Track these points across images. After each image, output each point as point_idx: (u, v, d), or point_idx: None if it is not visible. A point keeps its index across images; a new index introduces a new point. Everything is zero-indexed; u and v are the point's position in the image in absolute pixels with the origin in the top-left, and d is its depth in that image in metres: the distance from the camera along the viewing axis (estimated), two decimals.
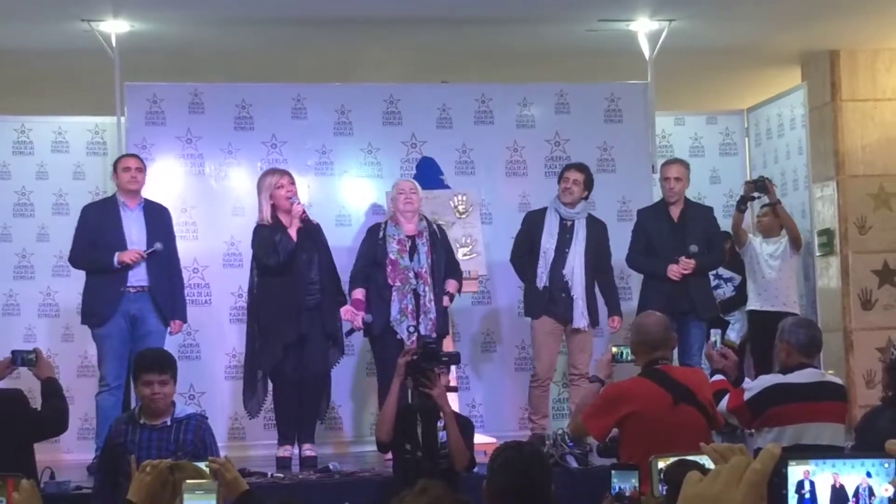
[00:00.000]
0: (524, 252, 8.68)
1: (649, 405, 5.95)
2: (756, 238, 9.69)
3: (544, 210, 8.71)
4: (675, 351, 7.27)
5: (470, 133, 9.87)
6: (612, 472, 3.63)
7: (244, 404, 8.28)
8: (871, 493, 1.59)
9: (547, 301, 8.51)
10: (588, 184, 8.65)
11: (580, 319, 8.46)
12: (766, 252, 9.58)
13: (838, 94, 10.14)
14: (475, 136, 9.87)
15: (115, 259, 8.15)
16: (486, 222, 9.46)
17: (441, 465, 6.28)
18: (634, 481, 3.53)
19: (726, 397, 6.29)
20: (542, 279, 8.53)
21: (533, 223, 8.70)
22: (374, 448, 7.00)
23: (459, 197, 9.26)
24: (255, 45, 9.97)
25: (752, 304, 9.63)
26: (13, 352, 7.13)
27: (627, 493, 3.54)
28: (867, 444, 5.89)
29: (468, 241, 9.11)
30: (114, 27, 9.18)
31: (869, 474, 1.59)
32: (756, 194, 9.40)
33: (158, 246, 8.29)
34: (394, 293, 8.19)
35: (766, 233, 9.70)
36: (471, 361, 9.63)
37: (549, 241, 8.55)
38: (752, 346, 9.79)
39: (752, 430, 6.67)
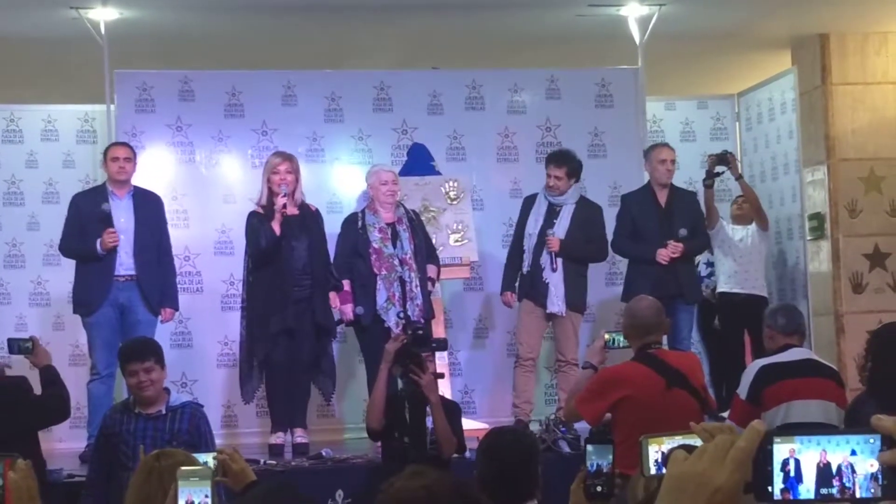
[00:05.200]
0: (519, 243, 8.65)
1: (642, 389, 5.97)
2: (727, 223, 9.73)
3: (537, 195, 8.71)
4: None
5: (461, 119, 9.87)
6: (588, 446, 3.57)
7: (241, 389, 8.30)
8: (854, 470, 1.59)
9: (530, 286, 8.51)
10: (572, 172, 8.57)
11: (553, 305, 8.42)
12: (736, 237, 9.62)
13: (828, 78, 10.13)
14: (466, 122, 9.87)
15: (98, 247, 8.12)
16: (477, 208, 9.47)
17: (430, 452, 6.29)
18: (611, 457, 3.50)
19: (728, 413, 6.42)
20: (525, 264, 8.52)
21: (526, 209, 8.69)
22: (366, 435, 7.01)
23: (450, 183, 9.25)
24: (245, 32, 9.94)
25: (722, 286, 9.68)
26: (8, 340, 7.13)
27: (605, 470, 3.51)
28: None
29: (459, 227, 9.11)
30: (102, 14, 9.14)
31: (854, 452, 1.59)
32: (720, 168, 9.43)
33: (107, 209, 8.18)
34: (379, 282, 8.17)
35: (739, 220, 9.77)
36: (463, 347, 9.64)
37: (533, 226, 8.53)
38: (721, 327, 9.81)
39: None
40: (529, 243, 8.51)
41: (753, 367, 6.61)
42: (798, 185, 10.33)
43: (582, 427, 7.12)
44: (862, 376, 6.57)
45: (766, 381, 6.33)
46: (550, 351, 8.97)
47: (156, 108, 9.58)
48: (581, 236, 8.52)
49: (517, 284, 8.64)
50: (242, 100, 9.66)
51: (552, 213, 8.54)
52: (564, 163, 8.57)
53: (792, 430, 1.62)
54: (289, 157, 8.36)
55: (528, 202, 8.72)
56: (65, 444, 8.89)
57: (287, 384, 8.18)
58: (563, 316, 8.44)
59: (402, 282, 8.20)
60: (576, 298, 8.48)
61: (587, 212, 8.64)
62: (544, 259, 8.43)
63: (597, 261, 8.81)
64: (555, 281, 8.41)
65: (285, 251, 8.09)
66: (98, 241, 8.11)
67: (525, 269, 8.51)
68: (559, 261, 8.39)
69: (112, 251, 8.16)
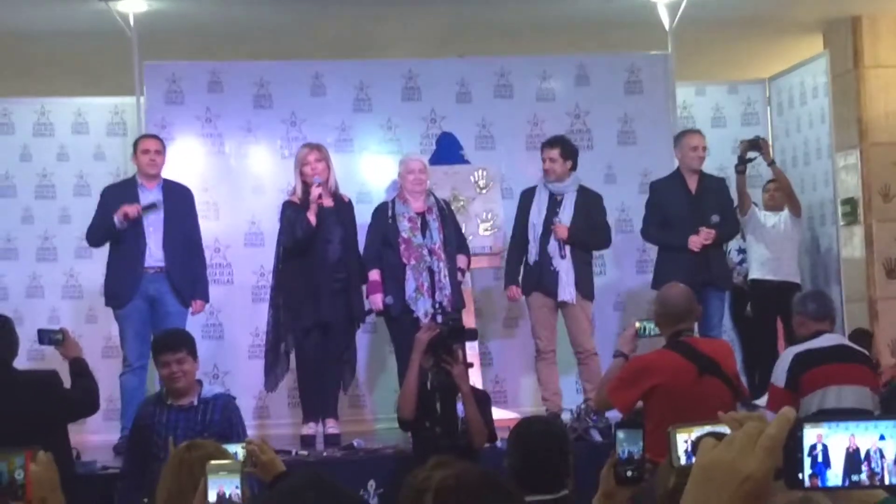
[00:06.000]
0: (521, 235, 8.61)
1: (674, 377, 5.94)
2: (760, 209, 9.67)
3: (535, 188, 8.66)
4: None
5: (489, 107, 9.85)
6: (619, 432, 3.52)
7: (264, 378, 8.30)
8: (882, 455, 1.56)
9: (538, 276, 8.46)
10: (567, 154, 8.54)
11: (564, 293, 8.37)
12: (768, 223, 9.56)
13: (860, 62, 10.04)
14: (495, 110, 9.84)
15: (116, 218, 8.11)
16: (506, 197, 9.42)
17: (460, 442, 6.28)
18: (641, 442, 3.47)
19: (765, 400, 6.39)
20: (532, 254, 8.47)
21: (525, 201, 8.64)
22: (398, 426, 7.00)
23: (479, 172, 9.24)
24: (273, 23, 9.93)
25: (754, 273, 9.62)
26: (39, 331, 7.13)
27: (636, 457, 3.48)
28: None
29: (489, 216, 9.09)
30: (131, 6, 9.16)
31: (882, 437, 1.56)
32: (752, 154, 9.36)
33: (155, 201, 8.22)
34: (408, 272, 8.15)
35: (771, 206, 9.71)
36: (494, 337, 9.63)
37: (537, 217, 8.49)
38: (753, 315, 9.75)
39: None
40: (535, 233, 8.47)
41: (787, 354, 6.59)
42: (830, 169, 10.26)
43: (613, 416, 7.10)
44: None
45: (802, 368, 6.32)
46: (566, 341, 8.86)
47: (185, 100, 9.60)
48: (585, 224, 8.49)
49: (521, 277, 8.59)
50: (271, 90, 9.67)
51: (554, 202, 8.51)
52: (557, 143, 8.57)
53: (826, 416, 1.59)
54: (318, 147, 8.37)
55: (527, 194, 8.67)
56: (99, 436, 8.92)
57: (319, 375, 8.18)
58: (574, 304, 8.39)
59: (431, 272, 8.18)
60: (585, 286, 8.45)
61: (589, 200, 8.59)
62: (552, 248, 8.40)
63: (601, 248, 8.82)
64: (564, 268, 8.38)
65: (320, 245, 8.09)
66: (115, 214, 8.09)
67: (532, 259, 8.46)
68: (567, 248, 8.37)
69: (134, 228, 8.14)
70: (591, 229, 8.53)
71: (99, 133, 10.06)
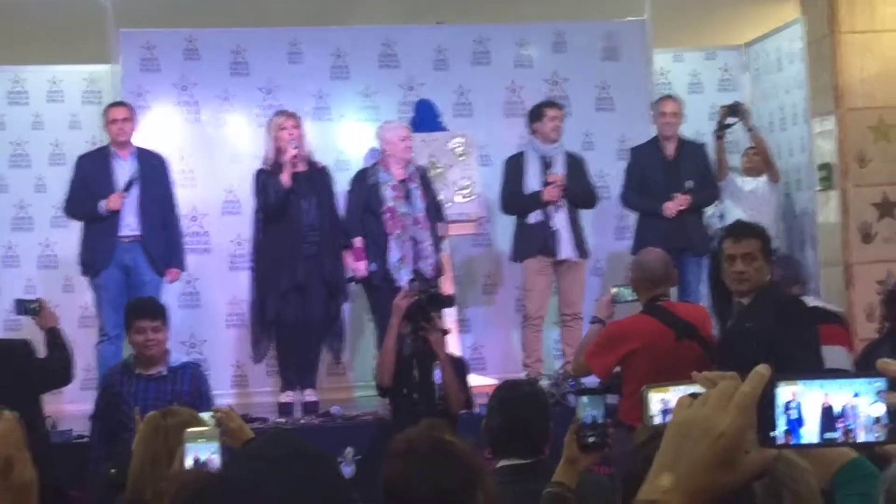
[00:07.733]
0: (516, 196, 8.63)
1: (652, 342, 5.96)
2: (737, 175, 9.69)
3: (522, 154, 8.67)
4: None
5: (467, 74, 9.84)
6: (583, 398, 3.52)
7: (252, 349, 8.29)
8: (857, 413, 1.57)
9: (542, 238, 8.48)
10: (563, 117, 8.71)
11: (566, 251, 8.43)
12: (746, 188, 9.58)
13: (837, 27, 10.01)
14: (472, 77, 9.84)
15: (101, 208, 8.08)
16: (484, 164, 9.42)
17: (438, 408, 6.29)
18: (605, 408, 3.47)
19: None
20: (532, 216, 8.50)
21: (514, 167, 8.66)
22: (376, 392, 7.00)
23: (458, 139, 9.22)
24: None
25: None
26: (16, 301, 7.12)
27: (600, 421, 3.48)
28: None
29: (467, 183, 9.08)
30: None
31: (856, 394, 1.57)
32: (731, 120, 9.38)
33: (133, 176, 8.18)
34: (391, 242, 8.13)
35: (750, 172, 9.73)
36: (472, 304, 9.64)
37: (534, 182, 8.52)
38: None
39: None
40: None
41: None
42: (807, 135, 10.26)
43: (591, 381, 7.12)
44: (881, 325, 6.56)
45: None
46: (556, 305, 8.92)
47: (161, 68, 9.55)
48: (576, 184, 8.52)
49: (518, 242, 8.63)
50: (247, 58, 9.63)
51: (546, 165, 8.54)
52: (559, 105, 8.76)
53: (800, 373, 1.59)
54: (293, 115, 8.35)
55: (515, 161, 8.70)
56: (75, 405, 8.88)
57: (298, 343, 8.17)
58: (573, 262, 8.44)
59: (415, 241, 8.16)
60: (581, 243, 8.55)
61: (576, 161, 8.71)
62: (551, 209, 8.43)
63: (590, 207, 8.87)
64: (564, 227, 8.41)
65: (293, 208, 8.07)
66: (101, 204, 8.07)
67: (534, 219, 8.48)
68: (563, 209, 8.39)
69: (114, 212, 8.13)
70: (585, 186, 8.62)
71: (74, 101, 9.99)
